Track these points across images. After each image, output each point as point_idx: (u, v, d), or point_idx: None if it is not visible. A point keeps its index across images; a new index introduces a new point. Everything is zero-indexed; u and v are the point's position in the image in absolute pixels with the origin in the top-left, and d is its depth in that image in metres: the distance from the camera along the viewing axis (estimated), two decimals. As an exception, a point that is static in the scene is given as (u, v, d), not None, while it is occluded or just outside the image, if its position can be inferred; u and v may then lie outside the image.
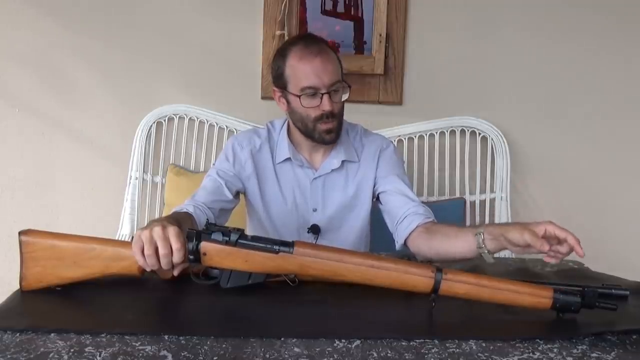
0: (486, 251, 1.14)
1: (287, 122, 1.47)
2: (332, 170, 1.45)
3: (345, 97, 1.38)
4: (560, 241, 1.04)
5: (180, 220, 1.11)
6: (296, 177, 1.46)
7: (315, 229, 1.44)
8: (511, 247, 1.09)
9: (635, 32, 2.22)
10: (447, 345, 0.83)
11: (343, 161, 1.45)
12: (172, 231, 0.95)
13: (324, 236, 1.44)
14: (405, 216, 1.36)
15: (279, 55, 1.39)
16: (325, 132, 1.36)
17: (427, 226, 1.32)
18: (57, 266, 0.97)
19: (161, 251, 0.94)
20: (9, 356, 0.75)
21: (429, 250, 1.28)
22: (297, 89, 1.34)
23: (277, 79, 1.39)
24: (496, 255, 2.10)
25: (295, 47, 1.36)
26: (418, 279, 0.93)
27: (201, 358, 0.76)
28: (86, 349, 0.77)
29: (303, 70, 1.33)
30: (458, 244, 1.20)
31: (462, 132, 2.21)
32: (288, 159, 1.45)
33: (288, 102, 1.39)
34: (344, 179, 1.46)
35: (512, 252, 1.12)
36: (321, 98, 1.33)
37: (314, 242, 1.41)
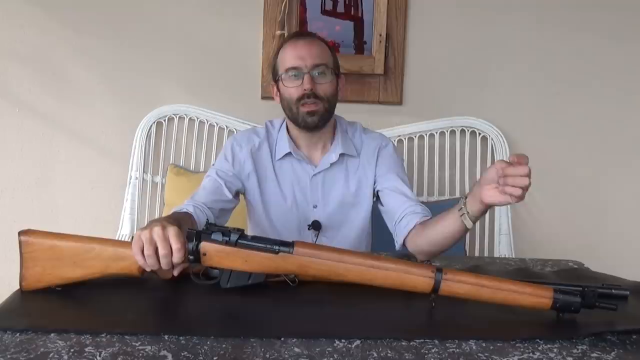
0: (466, 212, 1.15)
1: (285, 119, 1.48)
2: (332, 164, 1.45)
3: (326, 80, 1.37)
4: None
5: (180, 220, 1.12)
6: (295, 174, 1.46)
7: (316, 225, 1.44)
8: (488, 195, 1.08)
9: (635, 32, 2.22)
10: (447, 345, 0.83)
11: (342, 155, 1.45)
12: (171, 231, 0.95)
13: (324, 233, 1.45)
14: (404, 216, 1.37)
15: (276, 52, 1.45)
16: (307, 114, 1.37)
17: (424, 223, 1.33)
18: (57, 266, 0.97)
19: (161, 251, 0.94)
20: (9, 356, 0.75)
21: (423, 243, 1.29)
22: (282, 71, 1.39)
23: (272, 73, 1.44)
24: (496, 254, 2.13)
25: (286, 40, 1.44)
26: (418, 279, 0.93)
27: (201, 358, 0.76)
28: (86, 349, 0.77)
29: (287, 53, 1.38)
30: (446, 222, 1.22)
31: (462, 132, 2.21)
32: (288, 155, 1.45)
33: (279, 90, 1.42)
34: (344, 175, 1.46)
35: (495, 203, 1.09)
36: (303, 78, 1.35)
37: (314, 239, 1.41)
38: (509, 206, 2.15)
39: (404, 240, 1.36)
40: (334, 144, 1.46)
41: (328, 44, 1.44)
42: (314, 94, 1.35)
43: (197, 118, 2.18)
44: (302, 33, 1.46)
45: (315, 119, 1.38)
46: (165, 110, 2.17)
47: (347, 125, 1.51)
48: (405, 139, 2.20)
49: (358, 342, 0.82)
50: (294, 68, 1.36)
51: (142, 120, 2.14)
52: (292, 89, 1.37)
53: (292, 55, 1.36)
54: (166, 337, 0.82)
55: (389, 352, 0.80)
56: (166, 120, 2.17)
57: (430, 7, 2.19)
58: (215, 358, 0.76)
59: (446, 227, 1.22)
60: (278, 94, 1.44)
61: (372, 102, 2.21)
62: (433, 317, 0.93)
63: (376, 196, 1.48)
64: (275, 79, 1.43)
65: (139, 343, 0.80)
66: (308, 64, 1.35)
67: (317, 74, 1.36)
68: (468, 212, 1.16)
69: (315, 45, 1.38)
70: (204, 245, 0.96)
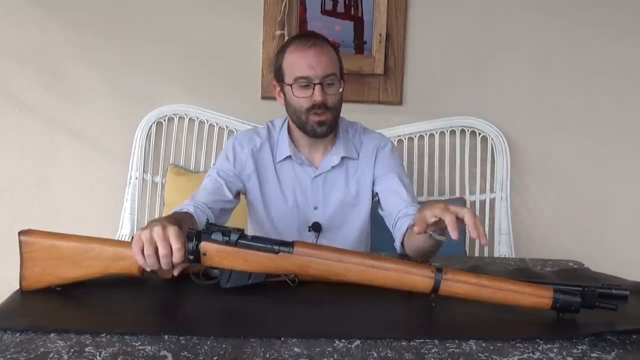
0: (431, 231, 1.07)
1: (287, 120, 1.48)
2: (332, 167, 1.45)
3: (335, 90, 1.37)
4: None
5: (180, 220, 1.12)
6: (296, 176, 1.46)
7: (316, 227, 1.44)
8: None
9: (636, 32, 2.22)
10: (447, 345, 0.83)
11: (343, 158, 1.45)
12: (172, 231, 0.95)
13: (324, 234, 1.45)
14: (398, 219, 1.36)
15: (280, 51, 1.43)
16: (317, 124, 1.37)
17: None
18: (56, 266, 0.97)
19: (161, 251, 0.94)
20: (8, 356, 0.75)
21: (409, 248, 1.28)
22: (291, 80, 1.37)
23: (276, 73, 1.43)
24: (496, 254, 2.13)
25: (293, 41, 1.41)
26: (418, 279, 0.93)
27: (201, 358, 0.76)
28: (86, 349, 0.77)
29: (297, 61, 1.35)
30: (421, 237, 1.15)
31: (462, 132, 2.21)
32: (288, 157, 1.45)
33: (284, 94, 1.41)
34: (344, 177, 1.46)
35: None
36: (313, 88, 1.34)
37: (314, 241, 1.41)
38: (508, 206, 2.15)
39: (401, 243, 1.35)
40: (336, 146, 1.46)
41: (334, 47, 1.42)
42: (325, 105, 1.35)
43: (197, 118, 2.18)
44: (310, 37, 1.40)
45: (324, 128, 1.38)
46: (166, 110, 2.17)
47: (347, 126, 1.51)
48: (405, 139, 2.20)
49: (358, 342, 0.82)
50: (304, 78, 1.34)
51: (142, 120, 2.14)
52: (302, 99, 1.36)
53: (303, 64, 1.34)
54: (166, 337, 0.82)
55: (389, 352, 0.80)
56: (166, 120, 2.17)
57: (430, 7, 2.19)
58: (215, 358, 0.76)
59: (421, 241, 1.19)
60: (282, 95, 1.43)
61: (372, 102, 2.21)
62: (433, 317, 0.93)
63: (376, 197, 1.48)
64: (279, 80, 1.42)
65: (139, 343, 0.80)
66: (319, 74, 1.33)
67: (327, 84, 1.35)
68: (433, 230, 1.08)
69: (325, 53, 1.36)
70: (204, 245, 0.96)
